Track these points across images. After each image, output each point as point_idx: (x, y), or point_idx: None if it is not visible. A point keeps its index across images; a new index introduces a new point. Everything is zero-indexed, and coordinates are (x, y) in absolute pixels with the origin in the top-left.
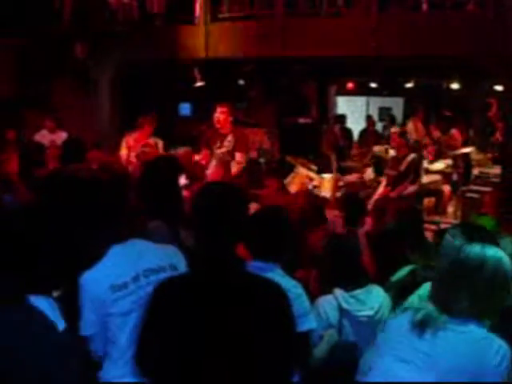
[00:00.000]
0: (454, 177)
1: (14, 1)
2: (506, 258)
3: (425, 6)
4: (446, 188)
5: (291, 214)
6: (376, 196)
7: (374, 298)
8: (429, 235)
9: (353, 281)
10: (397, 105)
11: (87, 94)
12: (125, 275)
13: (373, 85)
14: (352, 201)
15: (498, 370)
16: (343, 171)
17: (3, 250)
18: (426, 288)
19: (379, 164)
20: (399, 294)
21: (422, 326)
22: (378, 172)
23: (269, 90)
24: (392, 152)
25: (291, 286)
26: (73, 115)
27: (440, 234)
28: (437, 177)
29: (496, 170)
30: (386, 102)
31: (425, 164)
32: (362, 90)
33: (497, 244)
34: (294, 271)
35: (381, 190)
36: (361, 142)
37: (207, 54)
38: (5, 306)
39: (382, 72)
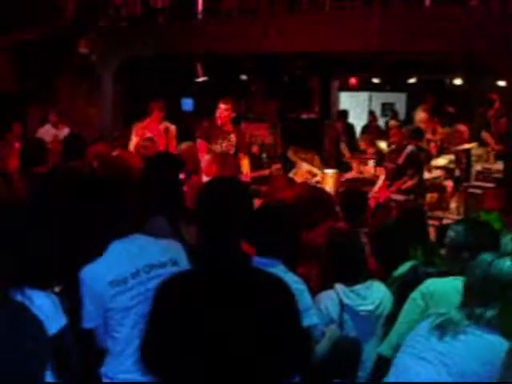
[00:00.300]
0: (457, 172)
1: None
2: None
3: (428, 2)
4: (449, 184)
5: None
6: (375, 189)
7: (374, 293)
8: (431, 230)
9: (354, 276)
10: (399, 100)
11: (90, 89)
12: (125, 271)
13: (375, 80)
14: (352, 197)
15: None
16: (345, 167)
17: None
18: (428, 285)
19: (380, 159)
20: (401, 289)
21: (442, 328)
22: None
23: (271, 85)
24: (393, 146)
25: (293, 282)
26: (76, 110)
27: (442, 229)
28: (439, 172)
29: (499, 165)
30: (389, 97)
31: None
32: (364, 86)
33: (498, 240)
34: (295, 267)
35: (379, 183)
36: (363, 138)
37: (209, 50)
38: None
39: (385, 67)
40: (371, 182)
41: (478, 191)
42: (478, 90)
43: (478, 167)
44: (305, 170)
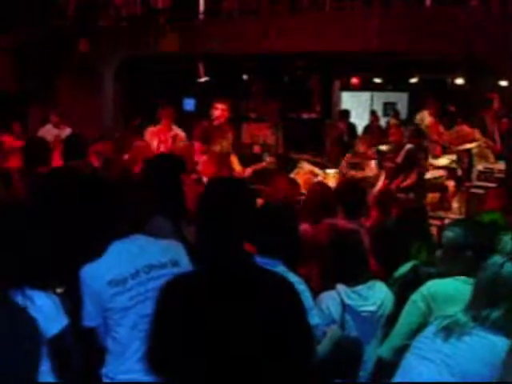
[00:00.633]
0: (459, 172)
1: None
2: None
3: (428, 2)
4: (451, 183)
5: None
6: (376, 190)
7: (376, 294)
8: (433, 230)
9: (355, 276)
10: (401, 100)
11: (91, 89)
12: (124, 271)
13: (377, 80)
14: (351, 190)
15: None
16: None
17: None
18: (429, 287)
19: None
20: (401, 289)
21: (448, 330)
22: (381, 166)
23: (272, 85)
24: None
25: (294, 282)
26: (76, 110)
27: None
28: (441, 172)
29: (500, 165)
30: (391, 97)
31: (429, 159)
32: (366, 85)
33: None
34: (296, 267)
35: (380, 183)
36: (361, 140)
37: (211, 50)
38: None
39: (386, 67)
40: (373, 181)
41: (480, 191)
42: (480, 90)
43: (479, 167)
44: (307, 170)
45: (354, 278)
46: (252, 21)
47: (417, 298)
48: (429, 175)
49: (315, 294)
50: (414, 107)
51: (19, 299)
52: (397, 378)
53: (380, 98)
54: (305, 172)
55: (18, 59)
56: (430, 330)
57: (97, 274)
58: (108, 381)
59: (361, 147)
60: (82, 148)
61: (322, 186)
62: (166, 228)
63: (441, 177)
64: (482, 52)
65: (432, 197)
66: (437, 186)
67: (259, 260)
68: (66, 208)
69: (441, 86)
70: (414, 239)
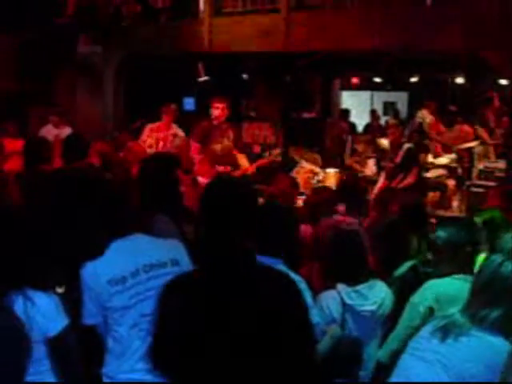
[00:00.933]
0: (459, 171)
1: None
2: None
3: (428, 1)
4: (451, 182)
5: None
6: (376, 190)
7: (376, 293)
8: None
9: (356, 276)
10: (401, 99)
11: (91, 88)
12: (124, 270)
13: (377, 79)
14: (350, 187)
15: None
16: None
17: None
18: (431, 289)
19: (382, 158)
20: (402, 289)
21: (445, 330)
22: (380, 166)
23: (273, 84)
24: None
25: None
26: (76, 109)
27: None
28: (442, 171)
29: (501, 164)
30: (391, 96)
31: (430, 158)
32: (366, 85)
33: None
34: (296, 267)
35: (380, 183)
36: (365, 137)
37: (211, 49)
38: None
39: (386, 66)
40: (372, 182)
41: (481, 190)
42: (480, 89)
43: (480, 166)
44: (307, 169)
45: (355, 278)
46: (253, 20)
47: (417, 300)
48: (429, 174)
49: (316, 293)
50: (414, 106)
51: (19, 299)
52: (393, 378)
53: (380, 98)
54: (305, 171)
55: (18, 59)
56: (427, 329)
57: (97, 272)
58: (108, 380)
59: (359, 148)
60: (83, 148)
61: (325, 188)
62: (167, 227)
63: (441, 176)
64: (482, 52)
65: (432, 196)
66: (437, 184)
67: (259, 259)
68: (66, 208)
69: (441, 85)
70: (413, 237)
